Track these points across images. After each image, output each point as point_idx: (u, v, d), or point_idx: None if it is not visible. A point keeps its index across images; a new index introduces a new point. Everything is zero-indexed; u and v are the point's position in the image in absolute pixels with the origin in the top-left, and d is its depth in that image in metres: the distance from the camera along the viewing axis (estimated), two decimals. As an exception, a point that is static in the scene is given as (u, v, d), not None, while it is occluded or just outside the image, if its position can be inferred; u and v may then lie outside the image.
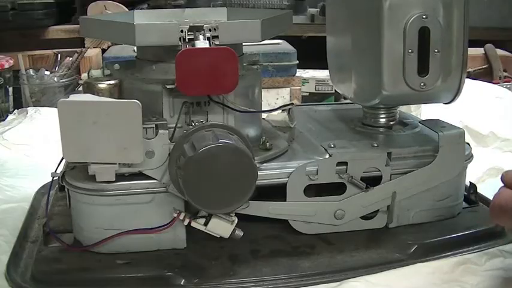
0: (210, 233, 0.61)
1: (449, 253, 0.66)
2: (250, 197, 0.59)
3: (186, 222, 0.61)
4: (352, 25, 0.74)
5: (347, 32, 0.75)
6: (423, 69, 0.68)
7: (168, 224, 0.63)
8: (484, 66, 1.65)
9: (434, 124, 0.72)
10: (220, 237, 0.62)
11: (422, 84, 0.68)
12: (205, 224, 0.61)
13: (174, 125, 0.62)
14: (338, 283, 0.61)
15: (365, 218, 0.69)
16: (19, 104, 1.38)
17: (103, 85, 0.66)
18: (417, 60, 0.67)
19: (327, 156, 0.67)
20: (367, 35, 0.70)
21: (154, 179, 0.62)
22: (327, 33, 0.84)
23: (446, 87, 0.69)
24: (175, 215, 0.62)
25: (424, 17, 0.66)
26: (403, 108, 0.82)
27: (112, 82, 0.67)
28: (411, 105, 1.07)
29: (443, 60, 0.68)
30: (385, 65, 0.67)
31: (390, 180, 0.68)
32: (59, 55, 1.47)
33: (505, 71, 1.63)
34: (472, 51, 1.62)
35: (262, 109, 0.73)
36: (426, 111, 1.07)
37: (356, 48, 0.73)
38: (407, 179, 0.68)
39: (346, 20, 0.76)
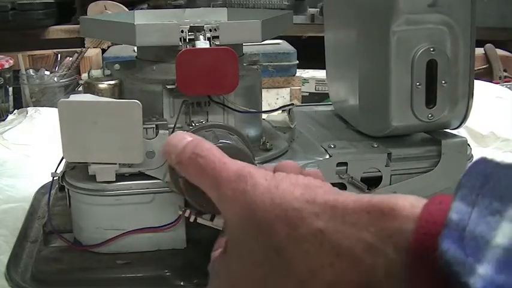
0: (217, 227, 0.61)
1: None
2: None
3: (192, 219, 0.61)
4: (358, 58, 0.73)
5: (352, 65, 0.75)
6: (431, 100, 0.67)
7: (174, 222, 0.63)
8: (484, 66, 1.65)
9: (437, 131, 0.72)
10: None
11: (430, 115, 0.68)
12: (211, 219, 0.61)
13: (173, 125, 0.62)
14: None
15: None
16: (19, 104, 1.38)
17: (103, 85, 0.66)
18: (425, 92, 0.67)
19: (327, 156, 0.67)
20: (374, 68, 0.70)
21: (155, 179, 0.62)
22: (327, 60, 0.82)
23: (453, 116, 0.69)
24: (181, 212, 0.61)
25: (431, 49, 0.65)
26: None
27: (112, 82, 0.67)
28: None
29: (451, 91, 0.67)
30: (393, 98, 0.67)
31: (390, 180, 0.68)
32: (59, 55, 1.48)
33: (505, 71, 1.63)
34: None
35: (263, 109, 0.73)
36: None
37: (362, 82, 0.73)
38: (406, 185, 0.68)
39: (352, 52, 0.75)
